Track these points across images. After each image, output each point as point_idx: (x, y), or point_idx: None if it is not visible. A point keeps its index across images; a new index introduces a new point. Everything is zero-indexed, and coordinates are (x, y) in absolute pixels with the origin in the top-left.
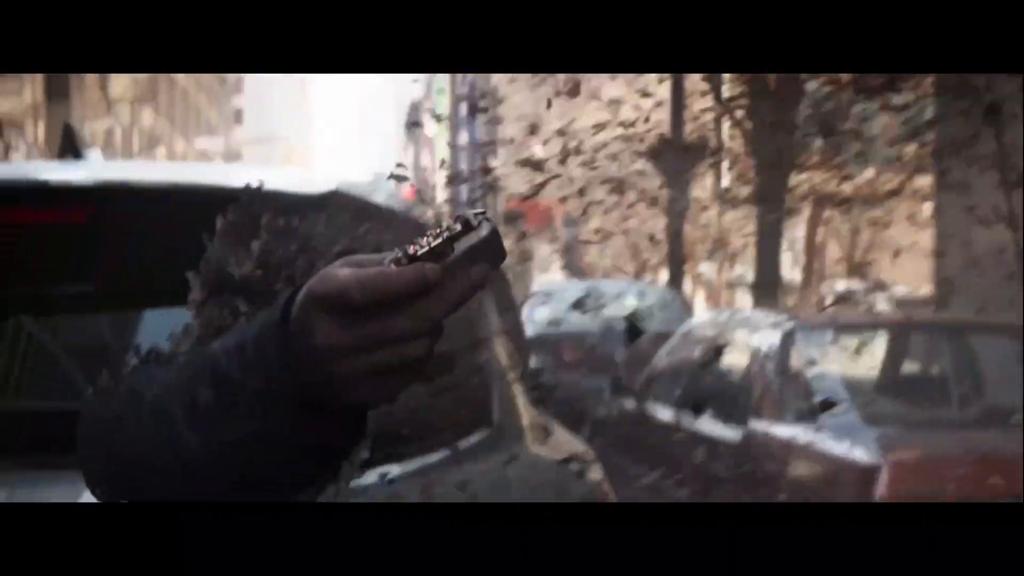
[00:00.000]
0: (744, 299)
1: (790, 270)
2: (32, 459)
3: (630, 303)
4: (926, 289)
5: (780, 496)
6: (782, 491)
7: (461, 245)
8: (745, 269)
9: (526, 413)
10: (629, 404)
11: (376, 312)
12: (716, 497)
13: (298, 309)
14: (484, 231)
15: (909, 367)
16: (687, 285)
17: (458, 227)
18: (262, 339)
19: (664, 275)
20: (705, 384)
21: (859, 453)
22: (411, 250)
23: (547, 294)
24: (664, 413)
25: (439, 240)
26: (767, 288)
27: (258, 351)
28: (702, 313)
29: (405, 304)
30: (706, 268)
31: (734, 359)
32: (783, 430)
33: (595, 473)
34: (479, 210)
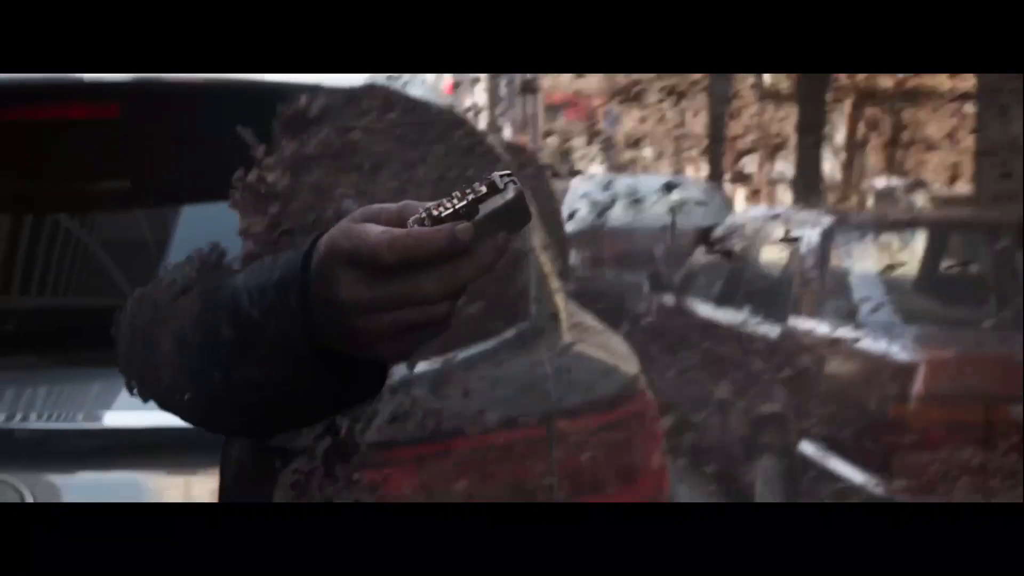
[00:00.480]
0: (784, 196)
1: (831, 167)
2: (71, 355)
3: (673, 198)
4: (966, 188)
5: (817, 391)
6: (819, 387)
7: (486, 207)
8: (786, 166)
9: (564, 308)
10: (668, 299)
11: (402, 272)
12: (754, 391)
13: (321, 262)
14: (510, 194)
15: (947, 265)
16: (727, 181)
17: (483, 189)
18: (283, 285)
19: (705, 171)
20: (744, 280)
21: (896, 350)
22: (435, 211)
23: (587, 189)
24: (703, 309)
25: (463, 202)
26: (807, 185)
27: (278, 296)
28: (742, 209)
29: (432, 265)
30: (747, 164)
31: (774, 255)
32: (821, 327)
33: (632, 367)
34: (505, 172)
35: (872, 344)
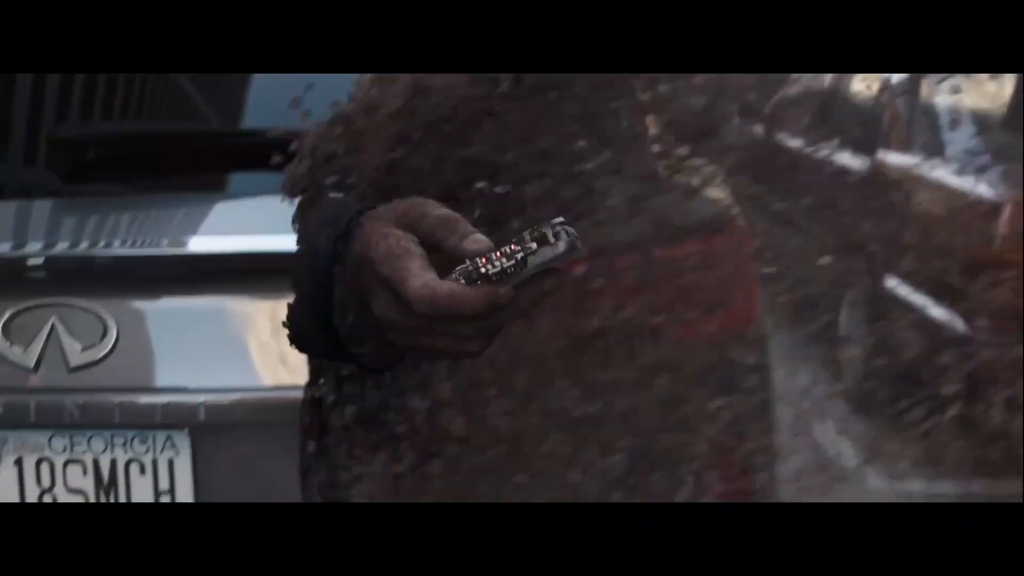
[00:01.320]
0: None
1: None
2: (155, 181)
3: None
4: None
5: (903, 226)
6: (905, 221)
7: (535, 260)
8: None
9: (655, 134)
10: (757, 129)
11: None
12: (839, 224)
13: (356, 264)
14: (561, 247)
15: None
16: None
17: (534, 246)
18: (317, 257)
19: None
20: (834, 112)
21: (983, 188)
22: (483, 267)
23: None
24: (792, 140)
25: (512, 261)
26: None
27: (312, 263)
28: None
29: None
30: None
31: (864, 88)
32: (910, 161)
33: (723, 196)
34: (558, 220)
35: (959, 181)
